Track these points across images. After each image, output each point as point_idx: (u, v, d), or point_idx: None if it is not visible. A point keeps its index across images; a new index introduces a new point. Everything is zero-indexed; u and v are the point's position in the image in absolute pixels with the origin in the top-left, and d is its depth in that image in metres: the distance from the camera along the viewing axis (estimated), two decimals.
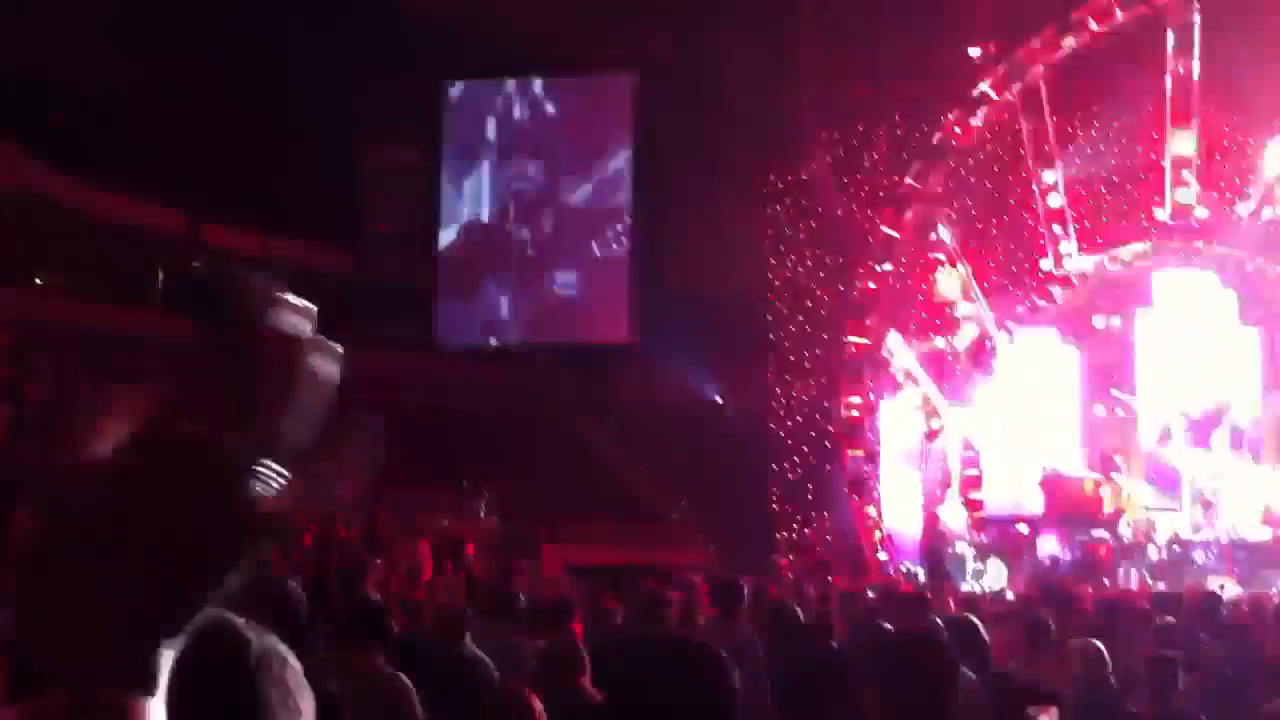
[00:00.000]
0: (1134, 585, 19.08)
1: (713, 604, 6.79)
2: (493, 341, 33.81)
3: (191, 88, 29.84)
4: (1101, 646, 6.89)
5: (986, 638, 6.08)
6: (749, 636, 6.51)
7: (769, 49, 29.20)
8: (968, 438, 24.69)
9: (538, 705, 4.36)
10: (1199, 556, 20.50)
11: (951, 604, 11.66)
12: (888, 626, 5.94)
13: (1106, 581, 19.66)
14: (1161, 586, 18.20)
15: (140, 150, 28.95)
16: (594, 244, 32.94)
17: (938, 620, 6.49)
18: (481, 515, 26.88)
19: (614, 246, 32.97)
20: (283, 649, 1.47)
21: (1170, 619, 9.32)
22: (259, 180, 30.72)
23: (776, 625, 7.33)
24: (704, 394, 31.03)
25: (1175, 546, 20.67)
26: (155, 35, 29.85)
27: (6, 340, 19.64)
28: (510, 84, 33.78)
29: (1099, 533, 21.33)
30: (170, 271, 32.57)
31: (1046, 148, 24.36)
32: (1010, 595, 17.44)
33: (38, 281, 30.66)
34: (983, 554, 22.34)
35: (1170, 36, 22.98)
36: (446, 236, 34.15)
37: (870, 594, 12.13)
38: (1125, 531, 21.18)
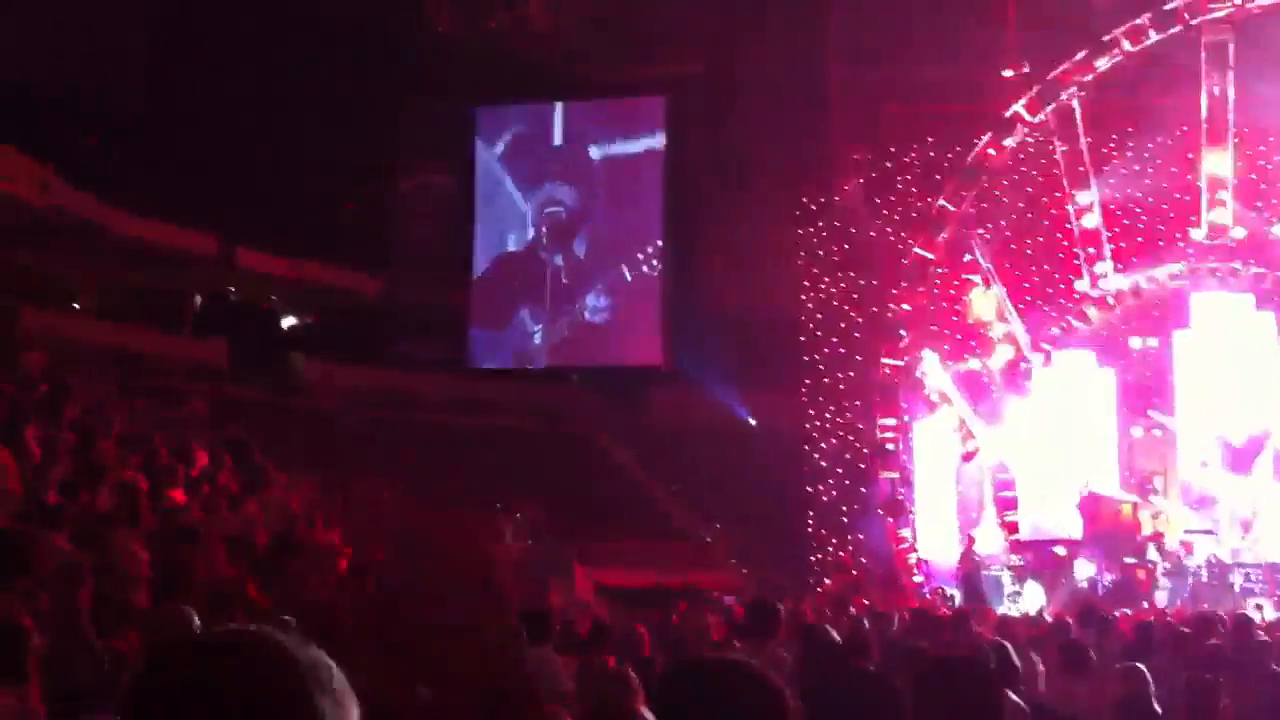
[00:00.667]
0: (1172, 608, 18.87)
1: (748, 625, 6.73)
2: (528, 367, 33.86)
3: (225, 113, 30.09)
4: (1144, 669, 6.80)
5: (1018, 663, 6.00)
6: (782, 658, 6.45)
7: (800, 70, 29.21)
8: (1003, 459, 24.51)
9: None
10: (1237, 579, 20.27)
11: (987, 627, 11.57)
12: (924, 648, 5.86)
13: (1145, 604, 19.46)
14: (1201, 609, 18.01)
15: (175, 175, 29.20)
16: (626, 268, 32.96)
17: (979, 645, 6.42)
18: (512, 537, 26.87)
19: (646, 270, 32.97)
20: (328, 660, 1.54)
21: (1210, 642, 9.20)
22: (292, 204, 30.94)
23: (810, 647, 7.27)
24: (736, 415, 30.95)
25: (1214, 569, 20.44)
26: (190, 61, 30.16)
27: (43, 361, 19.76)
28: (541, 108, 33.86)
29: (1137, 555, 21.10)
30: (205, 294, 32.85)
31: (1081, 168, 24.22)
32: (1048, 617, 17.26)
33: (75, 305, 30.95)
34: (1019, 577, 22.15)
35: (1204, 56, 22.85)
36: (479, 264, 34.20)
37: (906, 616, 12.04)
38: (1163, 554, 20.96)
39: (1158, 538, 21.33)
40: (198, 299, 32.91)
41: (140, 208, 28.49)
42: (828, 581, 25.28)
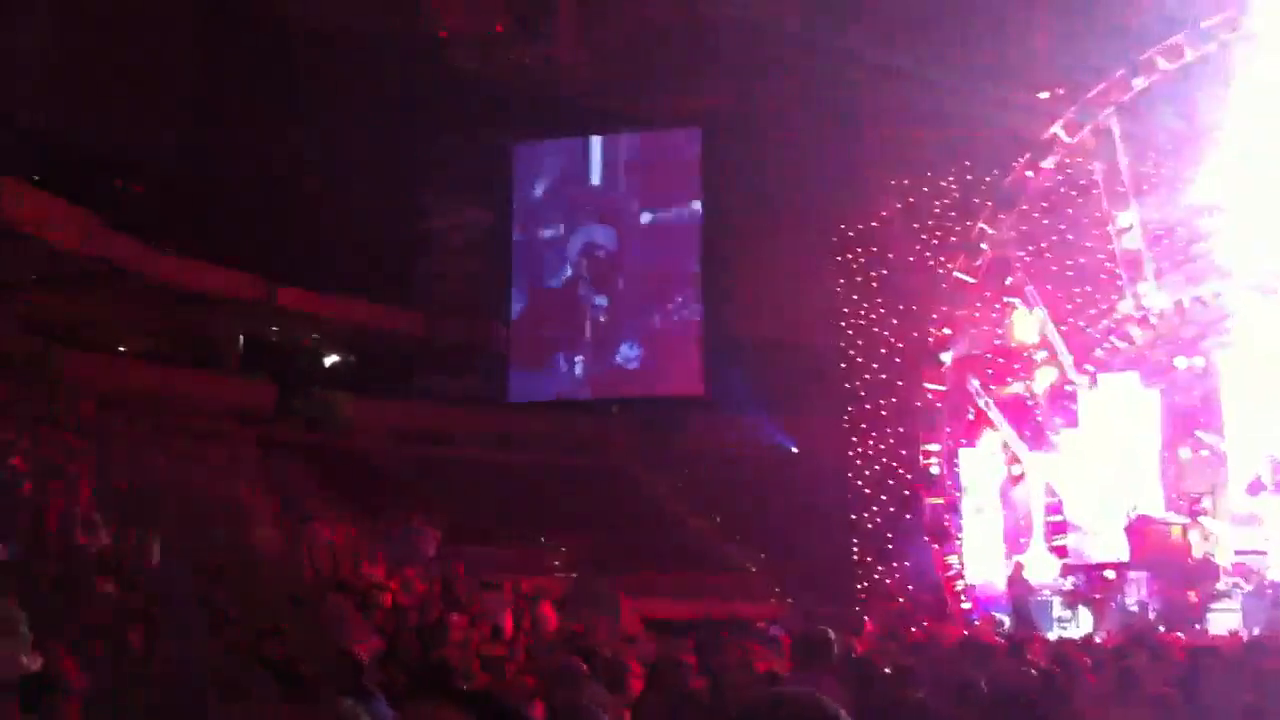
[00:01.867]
0: (1225, 631, 18.60)
1: (799, 657, 6.67)
2: (565, 393, 33.86)
3: (265, 156, 30.38)
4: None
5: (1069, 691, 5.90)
6: (835, 690, 6.39)
7: (834, 98, 29.22)
8: (1050, 483, 24.28)
9: None
10: None
11: (1038, 653, 11.43)
12: (979, 681, 5.79)
13: (1198, 627, 19.20)
14: (1255, 632, 17.75)
15: (216, 218, 29.48)
16: (665, 297, 32.95)
17: (1031, 672, 6.34)
18: (552, 570, 26.89)
19: (683, 299, 32.96)
20: None
21: (1266, 665, 9.06)
22: (333, 244, 31.17)
23: (861, 678, 7.19)
24: (776, 444, 30.85)
25: (1267, 590, 20.13)
26: (229, 107, 30.50)
27: (90, 406, 19.98)
28: (576, 143, 33.97)
29: (1188, 578, 20.82)
30: (247, 335, 33.11)
31: (1120, 188, 24.06)
32: (1099, 641, 17.04)
33: (120, 349, 31.25)
34: (1070, 601, 21.89)
35: (1236, 73, 22.67)
36: (518, 303, 34.24)
37: (959, 644, 11.91)
38: (1215, 576, 20.67)
39: (1208, 559, 21.04)
40: (240, 340, 33.16)
41: (182, 251, 28.76)
42: (874, 609, 25.12)
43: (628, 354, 33.10)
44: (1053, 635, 19.77)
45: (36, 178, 24.25)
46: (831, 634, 6.65)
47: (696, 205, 33.11)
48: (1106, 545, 22.79)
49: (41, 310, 26.82)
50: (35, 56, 24.13)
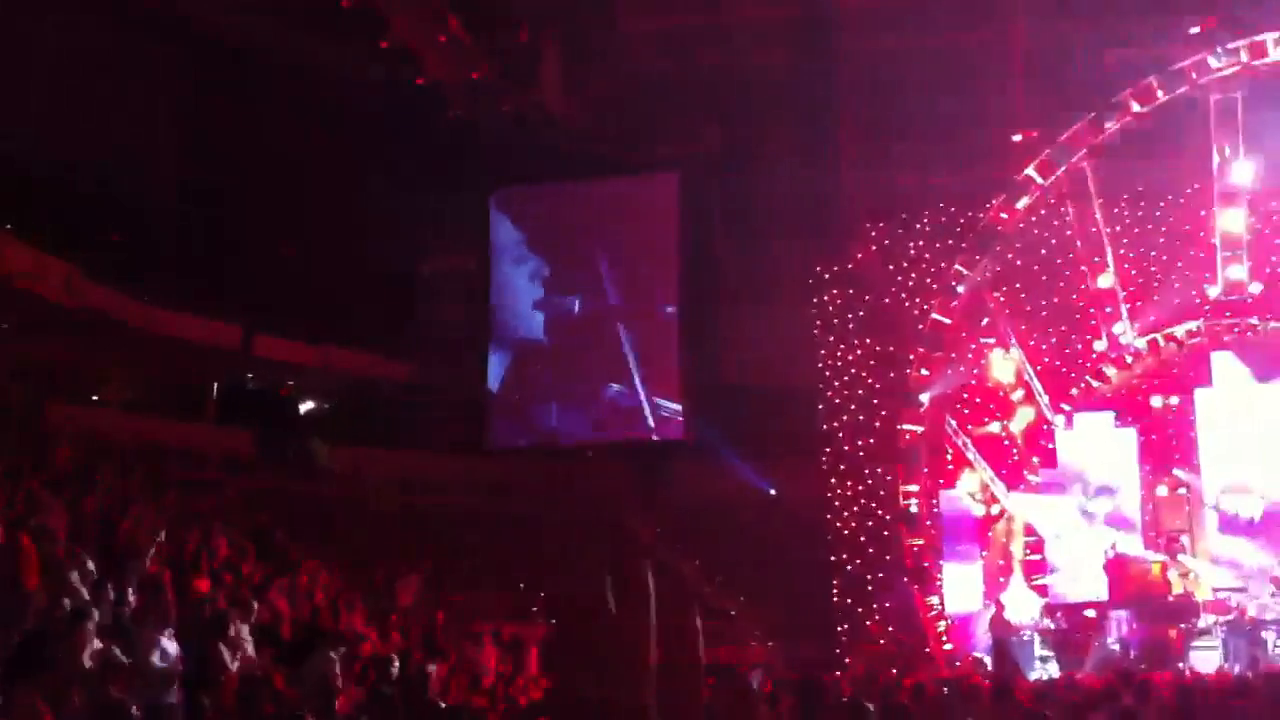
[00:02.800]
0: (1206, 668, 18.68)
1: (798, 703, 6.72)
2: (545, 439, 33.79)
3: (248, 205, 30.40)
4: None
5: None
6: None
7: (813, 141, 29.47)
8: (1029, 522, 24.40)
9: None
10: (1270, 637, 20.07)
11: (1022, 694, 11.46)
12: None
13: (1180, 665, 19.28)
14: (1238, 669, 17.84)
15: (195, 266, 29.45)
16: (644, 343, 32.93)
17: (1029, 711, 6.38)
18: (535, 617, 26.78)
19: (664, 343, 32.96)
20: None
21: (1254, 704, 9.13)
22: (314, 292, 31.14)
23: None
24: (757, 486, 30.84)
25: (1247, 627, 20.23)
26: (209, 154, 30.53)
27: (69, 454, 19.87)
28: (558, 189, 34.01)
29: (1169, 616, 20.92)
30: (224, 383, 33.00)
31: (1094, 229, 24.32)
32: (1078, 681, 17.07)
33: (95, 398, 31.13)
34: (1051, 641, 21.96)
35: (1213, 116, 22.98)
36: (496, 351, 34.10)
37: (943, 688, 11.93)
38: (1195, 614, 20.78)
39: (1187, 597, 21.16)
40: (215, 389, 33.04)
41: (163, 300, 28.69)
42: (856, 652, 25.11)
43: (616, 390, 33.01)
44: (1034, 675, 19.85)
45: (11, 225, 24.23)
46: (823, 680, 6.70)
47: (674, 250, 33.16)
48: (1086, 584, 22.90)
49: (25, 359, 26.76)
50: (15, 106, 24.14)
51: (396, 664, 11.86)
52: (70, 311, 25.18)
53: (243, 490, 25.94)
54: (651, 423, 32.67)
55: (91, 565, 12.19)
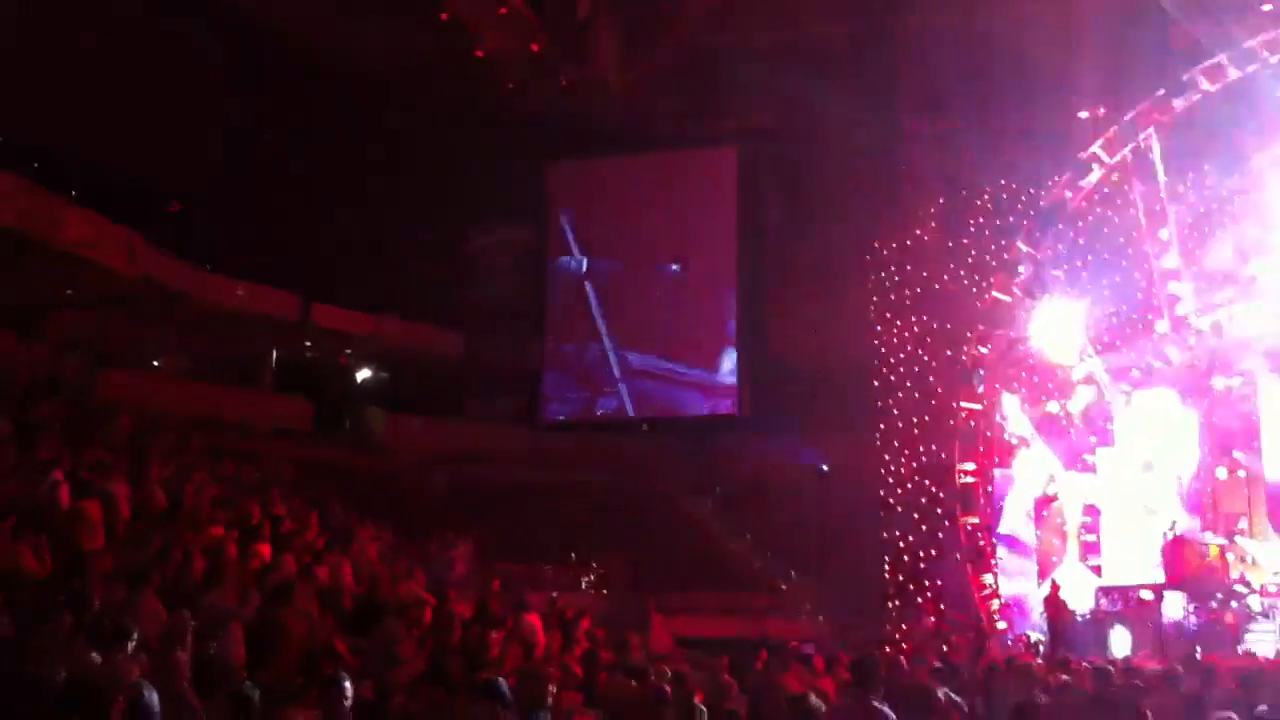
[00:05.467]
0: (1266, 652, 18.46)
1: (854, 679, 6.70)
2: (599, 412, 33.90)
3: (304, 177, 30.56)
4: None
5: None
6: (885, 713, 6.40)
7: (872, 119, 29.22)
8: (1086, 502, 24.18)
9: None
10: None
11: (1081, 675, 11.38)
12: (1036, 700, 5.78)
13: (1239, 649, 19.06)
14: None
15: (254, 237, 29.66)
16: (700, 319, 32.92)
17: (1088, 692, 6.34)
18: (586, 587, 26.92)
19: (719, 319, 32.94)
20: None
21: None
22: (370, 263, 31.32)
23: (908, 699, 7.19)
24: (810, 463, 30.77)
25: None
26: (266, 128, 30.71)
27: (128, 424, 20.07)
28: (614, 162, 34.00)
29: (1225, 598, 20.68)
30: (282, 353, 33.29)
31: (1159, 208, 23.97)
32: (1132, 662, 16.91)
33: (155, 364, 31.48)
34: (1105, 621, 21.76)
35: None
36: (553, 324, 34.27)
37: (1003, 665, 11.86)
38: (1253, 598, 20.53)
39: (1245, 580, 20.91)
40: (274, 358, 33.35)
41: (222, 270, 28.97)
42: (907, 629, 25.04)
43: (669, 358, 33.03)
44: (1089, 656, 19.69)
45: (75, 195, 24.48)
46: (879, 657, 6.69)
47: (732, 225, 33.07)
48: (1142, 566, 22.67)
49: (85, 330, 27.07)
50: (79, 83, 24.35)
51: (459, 632, 11.95)
52: (130, 282, 25.43)
53: (297, 459, 26.14)
54: (705, 398, 32.68)
55: (154, 533, 12.38)
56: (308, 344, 33.15)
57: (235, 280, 29.23)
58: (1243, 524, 22.45)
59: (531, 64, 30.44)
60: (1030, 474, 24.59)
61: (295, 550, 14.09)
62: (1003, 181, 26.45)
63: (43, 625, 7.35)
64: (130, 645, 7.12)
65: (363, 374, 35.83)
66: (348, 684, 6.26)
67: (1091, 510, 24.12)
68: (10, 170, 22.52)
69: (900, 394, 27.08)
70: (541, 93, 31.03)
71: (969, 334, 25.00)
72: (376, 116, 31.32)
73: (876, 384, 27.43)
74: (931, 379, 26.53)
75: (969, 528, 24.54)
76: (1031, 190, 25.08)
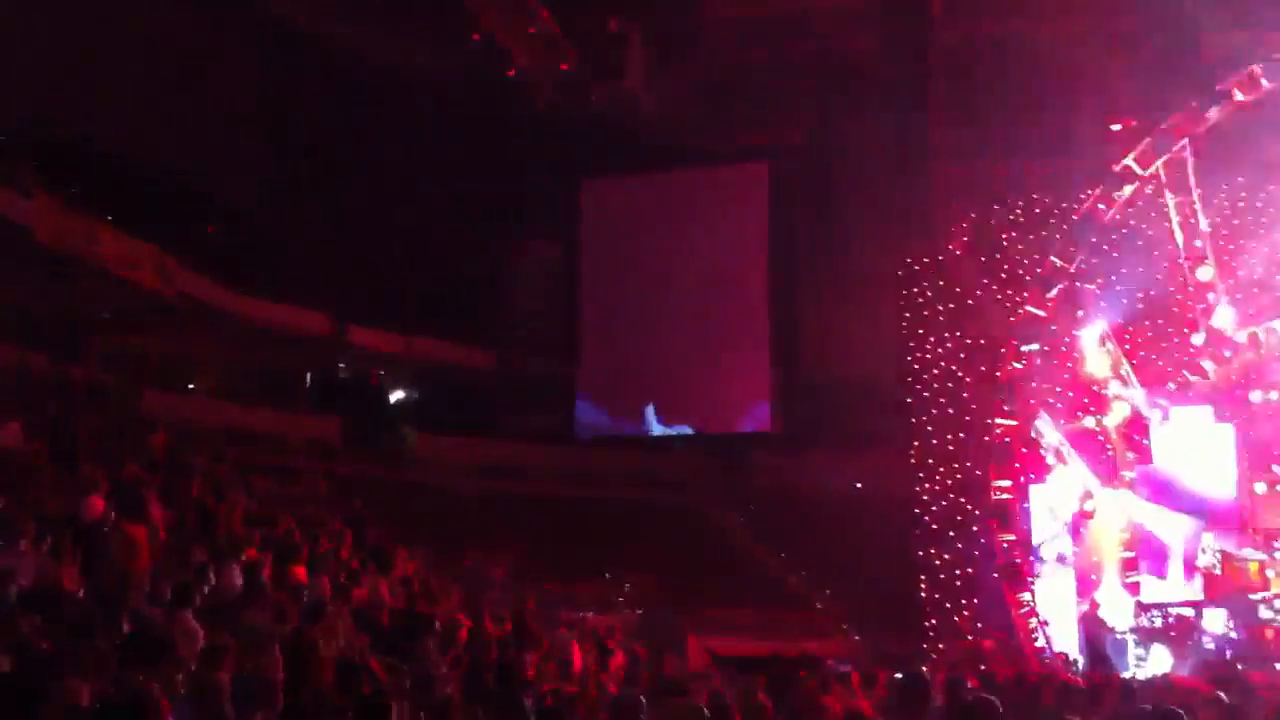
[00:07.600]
0: None
1: (901, 699, 6.63)
2: (633, 434, 33.88)
3: (338, 197, 30.74)
4: None
5: None
6: None
7: (902, 131, 29.16)
8: (1123, 519, 23.96)
9: None
10: None
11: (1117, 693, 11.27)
12: None
13: (1278, 666, 18.85)
14: None
15: (287, 256, 29.85)
16: (731, 335, 32.89)
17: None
18: (621, 605, 26.88)
19: (751, 335, 32.89)
20: None
21: None
22: (403, 281, 31.47)
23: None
24: (844, 480, 30.66)
25: None
26: (300, 147, 30.93)
27: (165, 442, 20.18)
28: (646, 180, 34.04)
29: (1266, 614, 20.45)
30: (316, 372, 33.47)
31: (1193, 220, 23.77)
32: (1172, 681, 16.73)
33: (190, 386, 31.68)
34: (1145, 639, 21.54)
35: None
36: (586, 340, 34.31)
37: (1046, 686, 11.75)
38: None
39: None
40: (309, 376, 33.53)
41: (257, 290, 29.15)
42: (944, 647, 24.87)
43: (703, 376, 32.99)
44: (1128, 674, 19.50)
45: (112, 216, 24.68)
46: (927, 678, 6.62)
47: (764, 240, 33.06)
48: (1182, 582, 22.44)
49: (123, 349, 27.28)
50: (115, 101, 24.57)
51: (495, 651, 11.95)
52: (166, 300, 25.62)
53: (334, 476, 26.26)
54: (738, 414, 32.64)
55: (191, 551, 12.42)
56: (341, 364, 33.32)
57: (271, 300, 29.40)
58: None
59: (562, 82, 30.54)
60: (1067, 491, 24.38)
61: (330, 571, 14.12)
62: (1035, 195, 26.29)
63: (82, 644, 7.38)
64: (170, 664, 7.14)
65: (396, 392, 35.96)
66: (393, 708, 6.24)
67: (1129, 527, 23.91)
68: (47, 190, 22.72)
69: (934, 409, 26.92)
70: (573, 110, 31.13)
71: (1003, 349, 24.84)
72: (409, 137, 31.49)
73: (910, 400, 27.29)
74: (965, 394, 26.37)
75: (1005, 545, 24.34)
76: (1064, 204, 24.91)
